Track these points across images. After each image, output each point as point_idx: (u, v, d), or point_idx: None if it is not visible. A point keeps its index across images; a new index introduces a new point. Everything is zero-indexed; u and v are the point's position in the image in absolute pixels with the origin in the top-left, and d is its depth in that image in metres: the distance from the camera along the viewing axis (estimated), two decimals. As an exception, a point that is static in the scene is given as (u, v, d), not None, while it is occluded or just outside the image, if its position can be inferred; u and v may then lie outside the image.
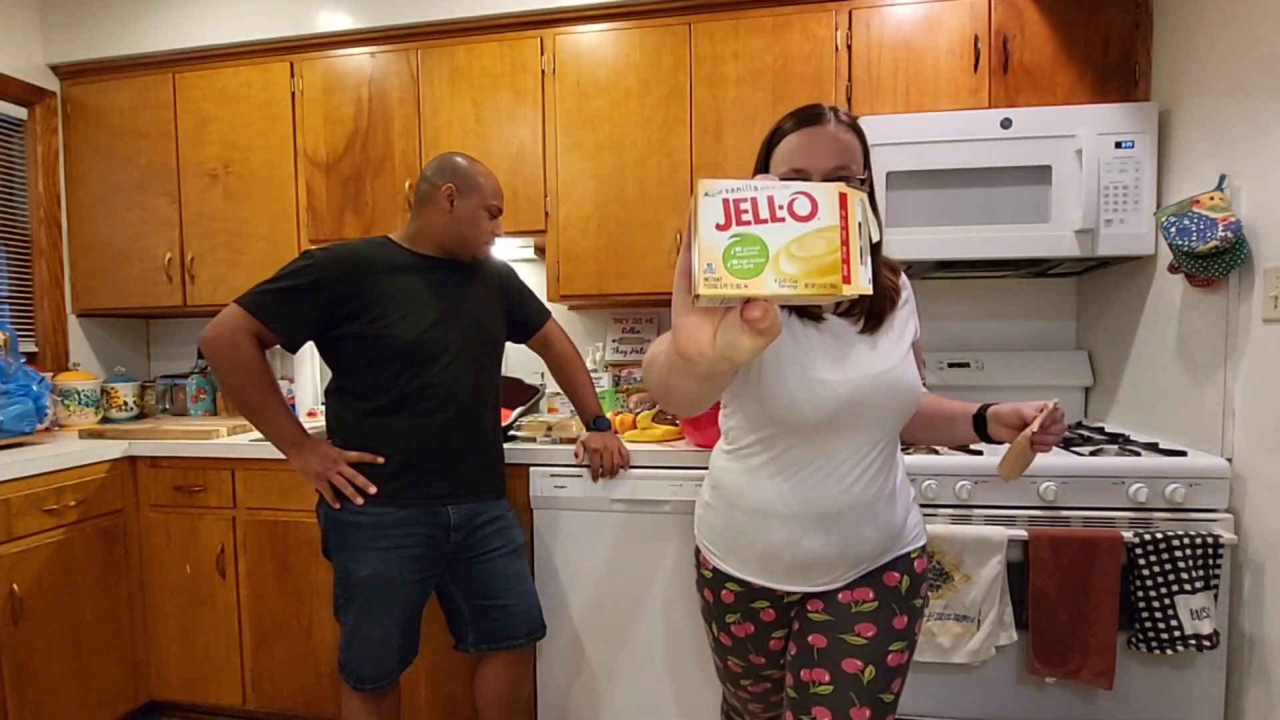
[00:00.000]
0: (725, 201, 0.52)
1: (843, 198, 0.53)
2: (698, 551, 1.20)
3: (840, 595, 1.09)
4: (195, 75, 2.31)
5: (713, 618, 1.19)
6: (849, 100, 1.95)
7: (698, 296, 0.52)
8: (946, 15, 1.90)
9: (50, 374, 2.32)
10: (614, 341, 2.40)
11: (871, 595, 1.08)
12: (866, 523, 1.06)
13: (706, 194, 0.52)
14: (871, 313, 1.07)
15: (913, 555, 1.12)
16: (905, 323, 1.11)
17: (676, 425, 1.90)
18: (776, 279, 0.51)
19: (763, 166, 1.05)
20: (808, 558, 1.06)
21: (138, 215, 2.38)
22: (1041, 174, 1.77)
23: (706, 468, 1.67)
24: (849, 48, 1.94)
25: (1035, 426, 1.03)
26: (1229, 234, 1.45)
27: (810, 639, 1.07)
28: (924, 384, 1.13)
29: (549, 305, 1.83)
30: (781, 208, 0.52)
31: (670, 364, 0.73)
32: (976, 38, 1.88)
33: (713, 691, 1.74)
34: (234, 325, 1.35)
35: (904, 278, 1.14)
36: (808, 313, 1.06)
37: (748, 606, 1.14)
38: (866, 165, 1.04)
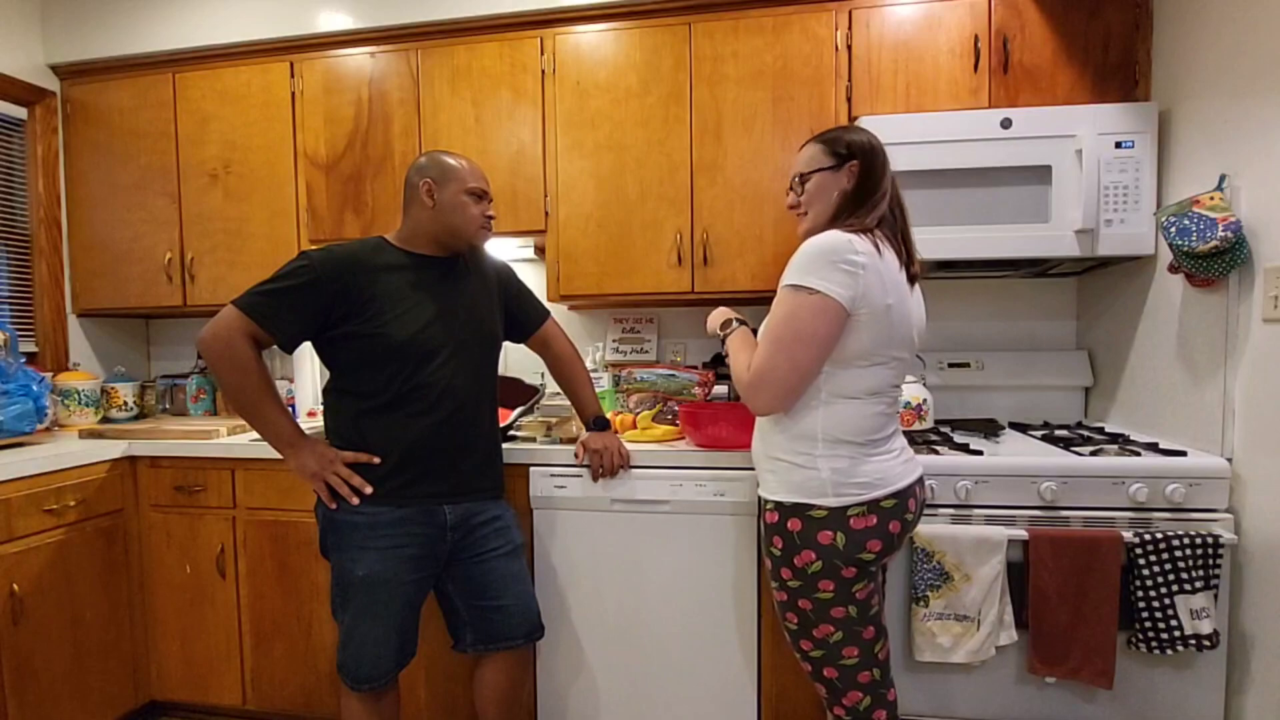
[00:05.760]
0: None
1: None
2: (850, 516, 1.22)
3: None
4: (195, 75, 2.31)
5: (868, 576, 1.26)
6: (849, 100, 1.95)
7: None
8: (946, 15, 1.90)
9: (50, 374, 2.32)
10: (614, 341, 2.40)
11: None
12: None
13: None
14: None
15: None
16: None
17: (676, 425, 1.90)
18: None
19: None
20: None
21: (138, 215, 2.38)
22: (1041, 174, 1.77)
23: (706, 467, 1.70)
24: (849, 48, 1.94)
25: None
26: (1229, 234, 1.45)
27: None
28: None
29: (549, 305, 1.83)
30: None
31: None
32: (976, 38, 1.88)
33: (712, 693, 1.74)
34: (230, 326, 1.36)
35: None
36: None
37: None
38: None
